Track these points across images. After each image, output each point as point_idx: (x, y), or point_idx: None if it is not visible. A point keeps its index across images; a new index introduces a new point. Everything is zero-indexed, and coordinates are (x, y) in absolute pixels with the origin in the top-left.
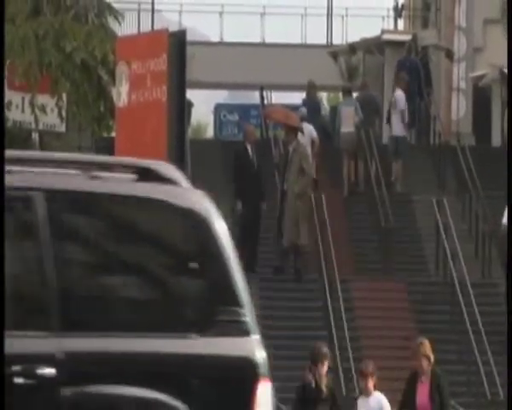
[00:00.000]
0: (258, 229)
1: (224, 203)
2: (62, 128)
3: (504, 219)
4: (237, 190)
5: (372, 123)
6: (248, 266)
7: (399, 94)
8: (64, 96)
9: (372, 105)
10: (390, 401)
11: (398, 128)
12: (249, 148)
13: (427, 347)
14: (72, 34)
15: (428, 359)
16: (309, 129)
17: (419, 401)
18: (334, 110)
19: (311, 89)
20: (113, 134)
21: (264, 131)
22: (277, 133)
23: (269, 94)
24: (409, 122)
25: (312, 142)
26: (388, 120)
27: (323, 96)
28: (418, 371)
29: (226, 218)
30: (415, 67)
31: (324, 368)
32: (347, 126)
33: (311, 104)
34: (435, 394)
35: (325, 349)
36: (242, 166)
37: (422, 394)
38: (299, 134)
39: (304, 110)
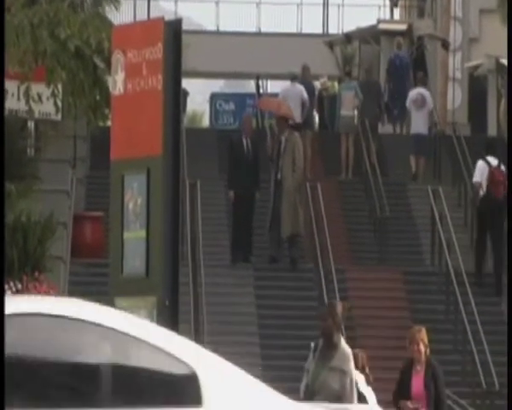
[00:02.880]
0: (251, 219)
1: (219, 192)
2: (58, 117)
3: (476, 178)
4: (230, 180)
5: (375, 110)
6: (243, 256)
7: (427, 93)
8: (59, 85)
9: (374, 91)
10: (385, 391)
11: (421, 126)
12: (245, 138)
13: (424, 334)
14: (66, 22)
15: (425, 346)
16: (299, 89)
17: (414, 390)
18: (332, 99)
19: (306, 72)
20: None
21: (259, 121)
22: (273, 123)
23: (265, 83)
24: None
25: (303, 103)
26: (388, 114)
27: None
28: (414, 358)
29: (220, 206)
30: (405, 64)
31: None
32: (347, 109)
33: (306, 87)
34: (430, 383)
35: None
36: (236, 156)
37: (418, 383)
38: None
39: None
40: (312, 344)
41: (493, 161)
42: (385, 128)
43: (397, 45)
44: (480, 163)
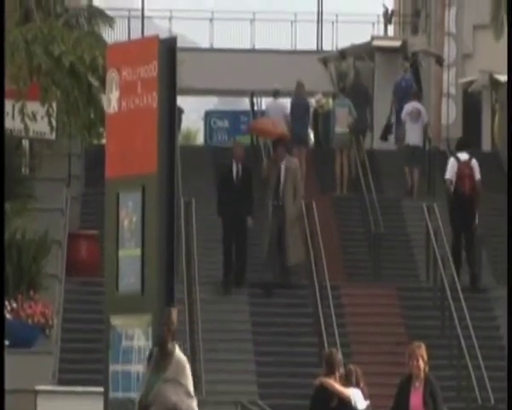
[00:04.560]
0: (243, 245)
1: (214, 209)
2: (52, 136)
3: (447, 176)
4: (218, 206)
5: (363, 114)
6: (237, 283)
7: (422, 108)
8: (54, 104)
9: (362, 95)
10: (380, 407)
11: (415, 137)
12: (236, 163)
13: (424, 350)
14: (60, 39)
15: (425, 362)
16: (282, 104)
17: (413, 407)
18: (326, 116)
19: (300, 88)
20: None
21: (254, 139)
22: (268, 142)
23: (259, 100)
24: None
25: (285, 118)
26: (383, 137)
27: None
28: (413, 374)
29: (215, 224)
30: (410, 87)
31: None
32: (342, 126)
33: (300, 104)
34: (429, 399)
35: (340, 356)
36: (226, 182)
37: (416, 399)
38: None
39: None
40: (147, 352)
41: (463, 156)
42: (382, 144)
43: (404, 69)
44: (451, 160)
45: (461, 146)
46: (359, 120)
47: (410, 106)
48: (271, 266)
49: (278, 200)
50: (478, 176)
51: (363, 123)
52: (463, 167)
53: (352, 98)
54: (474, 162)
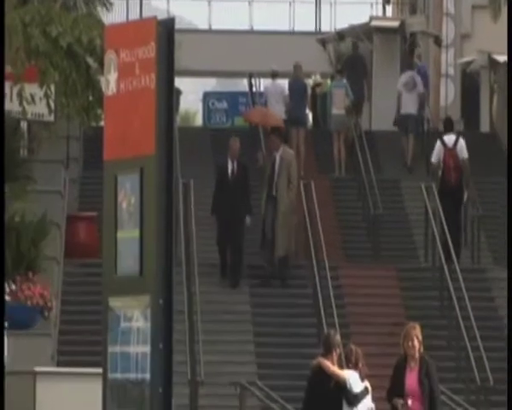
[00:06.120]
0: (238, 242)
1: (212, 191)
2: (51, 118)
3: (433, 159)
4: (213, 204)
5: (360, 85)
6: (233, 281)
7: (417, 77)
8: (52, 86)
9: (359, 66)
10: (379, 388)
11: (410, 106)
12: (231, 161)
13: (419, 331)
14: (58, 20)
15: (420, 343)
16: (280, 85)
17: (408, 387)
18: (324, 97)
19: (298, 70)
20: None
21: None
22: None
23: (257, 81)
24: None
25: (284, 99)
26: (396, 123)
27: (310, 82)
28: (408, 354)
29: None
30: (424, 73)
31: (336, 356)
32: (339, 108)
33: (298, 85)
34: (424, 379)
35: (338, 337)
36: (221, 180)
37: (412, 379)
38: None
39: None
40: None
41: (450, 140)
42: (380, 125)
43: (417, 57)
44: (438, 144)
45: (448, 126)
46: (356, 92)
47: (406, 76)
48: (264, 258)
49: (272, 190)
50: (465, 155)
51: (360, 94)
52: (448, 157)
53: (350, 69)
54: (461, 144)
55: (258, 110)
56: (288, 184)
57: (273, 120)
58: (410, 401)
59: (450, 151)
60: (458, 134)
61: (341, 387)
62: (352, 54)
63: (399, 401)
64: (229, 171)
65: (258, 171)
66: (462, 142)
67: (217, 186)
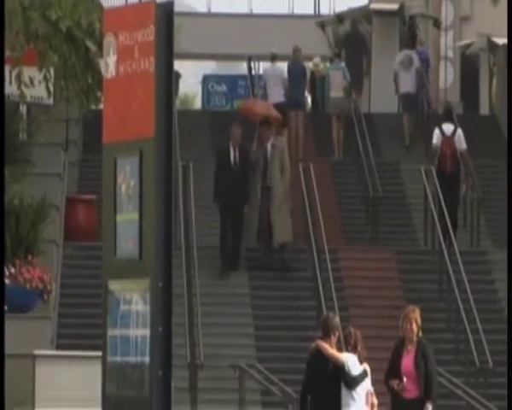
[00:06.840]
0: (239, 230)
1: (211, 173)
2: (50, 101)
3: (434, 141)
4: (215, 192)
5: (359, 62)
6: (232, 266)
7: (413, 54)
8: (51, 69)
9: (359, 43)
10: (378, 370)
11: (408, 85)
12: (233, 148)
13: (418, 314)
14: (57, 4)
15: (418, 326)
16: (279, 68)
17: (404, 369)
18: (323, 80)
19: (297, 53)
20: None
21: None
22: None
23: (257, 65)
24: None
25: (283, 82)
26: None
27: (309, 65)
28: (406, 337)
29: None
30: (425, 59)
31: (335, 339)
32: (337, 91)
33: (297, 69)
34: (421, 362)
35: (337, 319)
36: (222, 166)
37: (408, 361)
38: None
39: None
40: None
41: (448, 129)
42: (379, 107)
43: (419, 43)
44: (436, 132)
45: (448, 115)
46: (356, 69)
47: (402, 54)
48: (261, 249)
49: (266, 181)
50: (463, 146)
51: (359, 71)
52: (445, 146)
53: (349, 47)
54: (459, 134)
55: (263, 103)
56: (282, 171)
57: (263, 111)
58: (405, 380)
59: (448, 140)
60: (456, 125)
61: (340, 369)
62: (352, 32)
63: (395, 382)
64: (232, 158)
65: (252, 164)
66: (460, 132)
67: (218, 173)
